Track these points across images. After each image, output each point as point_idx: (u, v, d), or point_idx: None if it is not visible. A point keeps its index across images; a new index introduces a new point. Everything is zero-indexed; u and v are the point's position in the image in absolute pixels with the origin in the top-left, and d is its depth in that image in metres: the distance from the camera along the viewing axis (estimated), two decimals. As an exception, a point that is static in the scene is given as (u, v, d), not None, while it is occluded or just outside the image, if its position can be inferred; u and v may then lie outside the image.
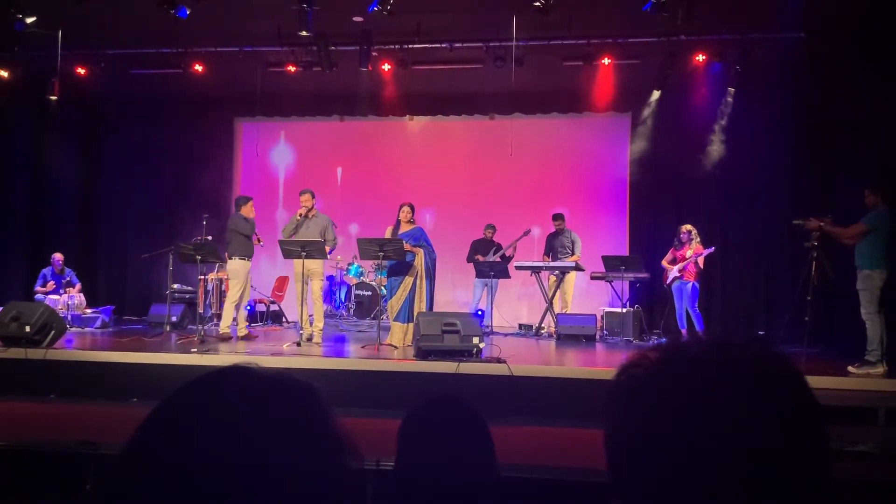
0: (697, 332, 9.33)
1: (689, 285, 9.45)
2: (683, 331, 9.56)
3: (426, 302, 8.52)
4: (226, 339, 8.67)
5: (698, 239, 9.54)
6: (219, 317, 10.65)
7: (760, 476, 0.72)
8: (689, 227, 9.58)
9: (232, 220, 9.04)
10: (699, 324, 9.44)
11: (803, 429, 0.75)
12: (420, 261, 8.48)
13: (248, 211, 9.05)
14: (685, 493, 0.73)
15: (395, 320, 8.47)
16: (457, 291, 11.78)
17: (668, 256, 9.74)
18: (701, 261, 9.48)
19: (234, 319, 9.02)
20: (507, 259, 10.50)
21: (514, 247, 10.63)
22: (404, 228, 8.66)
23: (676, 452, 0.74)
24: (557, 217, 10.59)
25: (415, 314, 8.24)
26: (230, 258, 8.90)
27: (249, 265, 8.99)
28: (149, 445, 0.72)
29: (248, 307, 11.16)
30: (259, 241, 9.20)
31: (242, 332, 9.00)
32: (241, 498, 0.68)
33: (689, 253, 9.46)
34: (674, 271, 9.54)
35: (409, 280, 8.44)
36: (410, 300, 8.43)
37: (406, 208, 8.74)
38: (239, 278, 8.81)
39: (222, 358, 7.31)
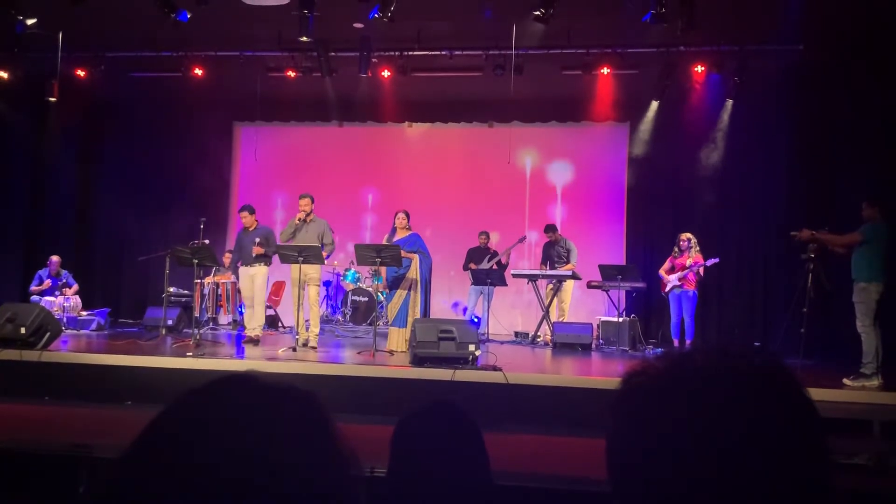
0: (688, 342, 9.33)
1: (691, 293, 9.43)
2: (676, 341, 9.55)
3: (420, 307, 8.56)
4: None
5: (698, 248, 9.53)
6: (215, 321, 10.66)
7: (762, 488, 0.72)
8: (688, 235, 9.56)
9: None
10: (690, 334, 9.43)
11: (806, 441, 0.76)
12: (415, 266, 8.53)
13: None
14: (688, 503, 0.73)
15: (392, 325, 8.58)
16: (452, 298, 11.78)
17: (667, 265, 9.70)
18: (702, 270, 9.47)
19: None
20: (502, 266, 10.51)
21: (509, 253, 10.64)
22: (400, 235, 8.72)
23: (680, 463, 0.74)
24: (549, 229, 10.59)
25: (410, 319, 8.31)
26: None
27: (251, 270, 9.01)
28: (151, 451, 0.73)
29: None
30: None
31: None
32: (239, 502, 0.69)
33: (688, 262, 9.45)
34: (673, 279, 9.51)
35: (404, 285, 8.53)
36: (406, 304, 8.49)
37: (401, 215, 8.81)
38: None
39: (218, 362, 7.29)
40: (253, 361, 7.42)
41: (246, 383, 0.77)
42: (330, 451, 0.75)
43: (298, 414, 0.76)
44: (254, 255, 8.72)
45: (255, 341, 8.75)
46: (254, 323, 8.90)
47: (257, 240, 8.75)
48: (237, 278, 9.58)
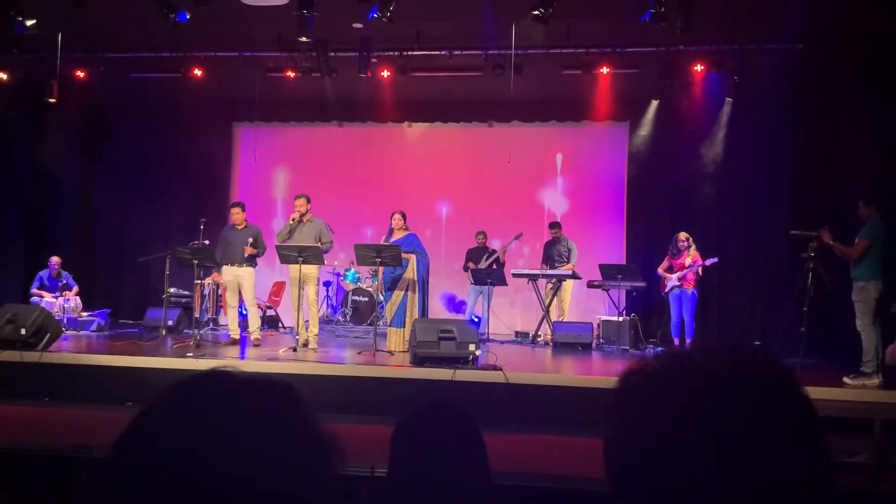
0: (688, 341, 9.33)
1: (690, 293, 9.43)
2: (677, 340, 9.55)
3: (419, 307, 8.56)
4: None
5: (695, 247, 9.54)
6: (215, 321, 10.65)
7: (762, 487, 0.72)
8: (686, 234, 9.56)
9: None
10: (690, 333, 9.42)
11: (805, 440, 0.76)
12: (412, 267, 8.55)
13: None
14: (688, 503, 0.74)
15: (390, 325, 8.61)
16: (453, 298, 11.78)
17: (665, 264, 9.71)
18: (700, 269, 9.47)
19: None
20: (500, 265, 10.52)
21: (505, 251, 10.66)
22: (397, 236, 8.76)
23: (679, 462, 0.74)
24: (554, 225, 10.64)
25: (408, 319, 8.33)
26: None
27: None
28: (132, 450, 0.73)
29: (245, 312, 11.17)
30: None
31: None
32: (221, 500, 0.69)
33: (687, 261, 9.44)
34: (673, 280, 9.51)
35: (402, 285, 8.55)
36: (404, 305, 8.51)
37: (397, 216, 8.84)
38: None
39: (218, 363, 7.29)
40: (253, 362, 7.42)
41: (219, 378, 0.77)
42: (307, 441, 0.75)
43: (273, 405, 0.76)
44: (246, 255, 8.69)
45: (235, 341, 8.78)
46: (252, 326, 8.92)
47: (250, 240, 8.71)
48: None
